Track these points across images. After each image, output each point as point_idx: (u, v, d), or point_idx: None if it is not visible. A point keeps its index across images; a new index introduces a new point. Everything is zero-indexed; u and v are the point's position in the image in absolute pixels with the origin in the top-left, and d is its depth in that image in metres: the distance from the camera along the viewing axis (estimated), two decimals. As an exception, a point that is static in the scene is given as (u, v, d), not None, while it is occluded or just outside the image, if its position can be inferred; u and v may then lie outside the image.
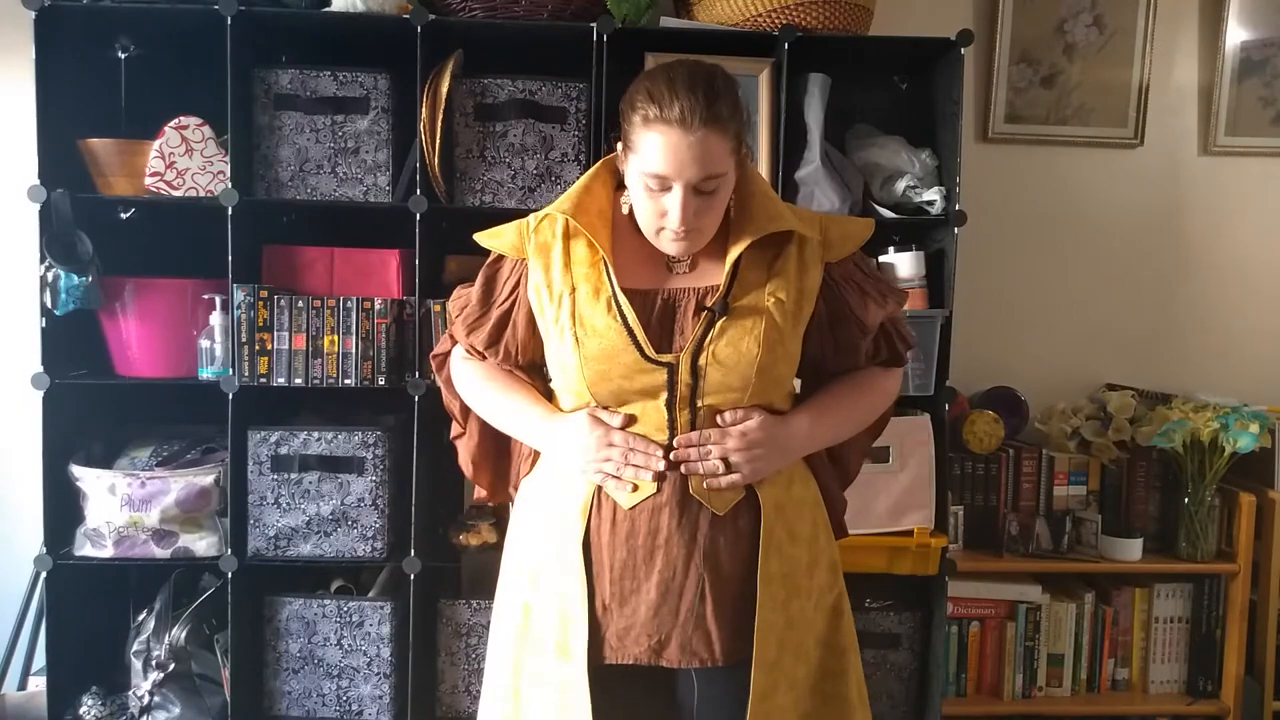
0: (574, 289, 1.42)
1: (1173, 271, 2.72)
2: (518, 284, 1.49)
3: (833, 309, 1.47)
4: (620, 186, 1.47)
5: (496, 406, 1.55)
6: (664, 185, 1.34)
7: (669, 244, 1.39)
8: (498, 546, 2.17)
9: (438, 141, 2.09)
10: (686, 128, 1.29)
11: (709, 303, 1.40)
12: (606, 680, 1.41)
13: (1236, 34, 2.66)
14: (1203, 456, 2.37)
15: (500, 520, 2.23)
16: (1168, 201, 2.71)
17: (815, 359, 1.50)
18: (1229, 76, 2.67)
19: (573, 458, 1.44)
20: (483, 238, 1.53)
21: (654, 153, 1.32)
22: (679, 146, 1.30)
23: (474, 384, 1.58)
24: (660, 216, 1.36)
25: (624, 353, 1.38)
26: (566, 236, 1.45)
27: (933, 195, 2.24)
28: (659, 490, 1.40)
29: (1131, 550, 2.41)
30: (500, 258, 1.53)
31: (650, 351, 1.38)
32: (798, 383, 1.53)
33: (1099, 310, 2.72)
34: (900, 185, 2.26)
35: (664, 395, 1.39)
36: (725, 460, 1.39)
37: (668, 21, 2.21)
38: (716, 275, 1.42)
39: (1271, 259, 2.74)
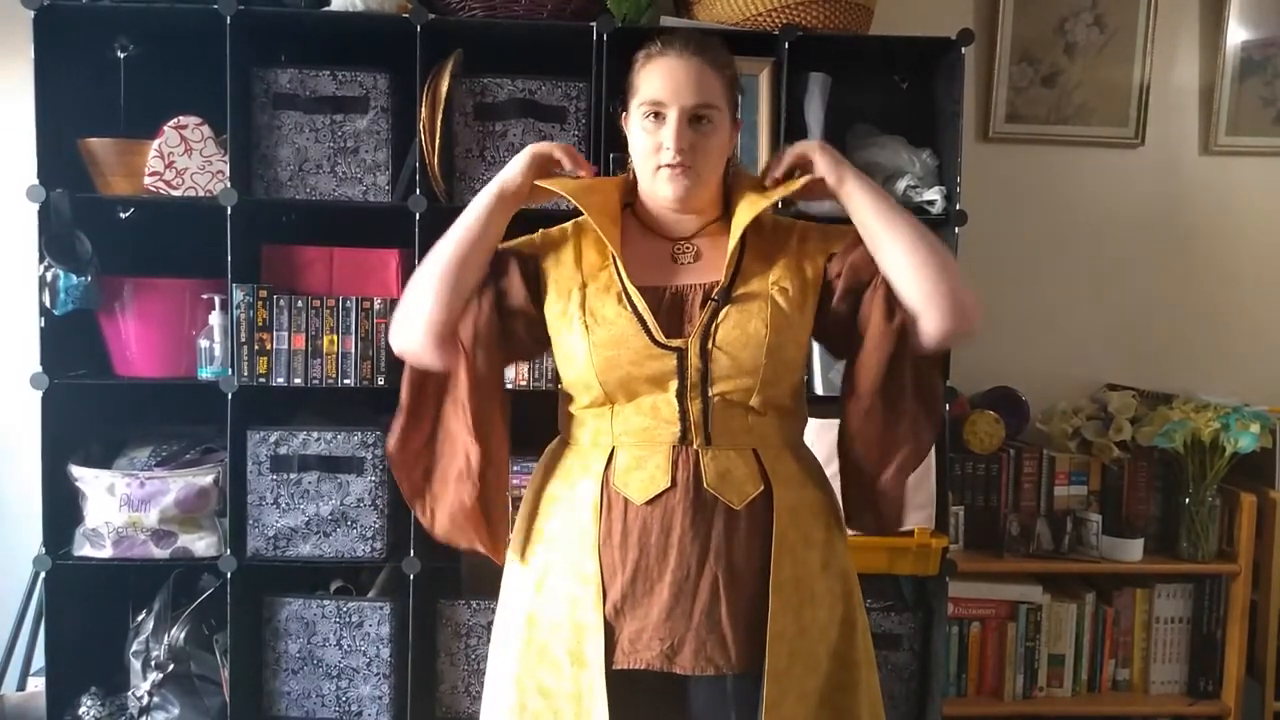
0: (584, 285, 1.44)
1: (1174, 271, 2.72)
2: (522, 272, 1.47)
3: (853, 277, 1.44)
4: (625, 205, 1.51)
5: (447, 234, 1.46)
6: (660, 114, 1.39)
7: (665, 183, 1.40)
8: (497, 547, 2.17)
9: (437, 141, 2.08)
10: (681, 56, 1.40)
11: (714, 294, 1.41)
12: (618, 686, 1.39)
13: (1237, 33, 2.66)
14: (1203, 456, 2.37)
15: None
16: (1168, 201, 2.71)
17: (864, 321, 1.44)
18: (1230, 76, 2.67)
19: (517, 162, 1.46)
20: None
21: (651, 80, 1.40)
22: (674, 70, 1.39)
23: (420, 270, 1.47)
24: (656, 152, 1.40)
25: (633, 338, 1.39)
26: (578, 237, 1.48)
27: (933, 195, 2.24)
28: (672, 486, 1.39)
29: (1132, 550, 2.40)
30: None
31: (660, 336, 1.39)
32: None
33: (1100, 310, 2.72)
34: (901, 185, 2.26)
35: (674, 384, 1.39)
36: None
37: (667, 21, 2.22)
38: (722, 269, 1.43)
39: (1272, 258, 2.74)
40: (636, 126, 1.43)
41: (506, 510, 1.52)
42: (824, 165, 1.42)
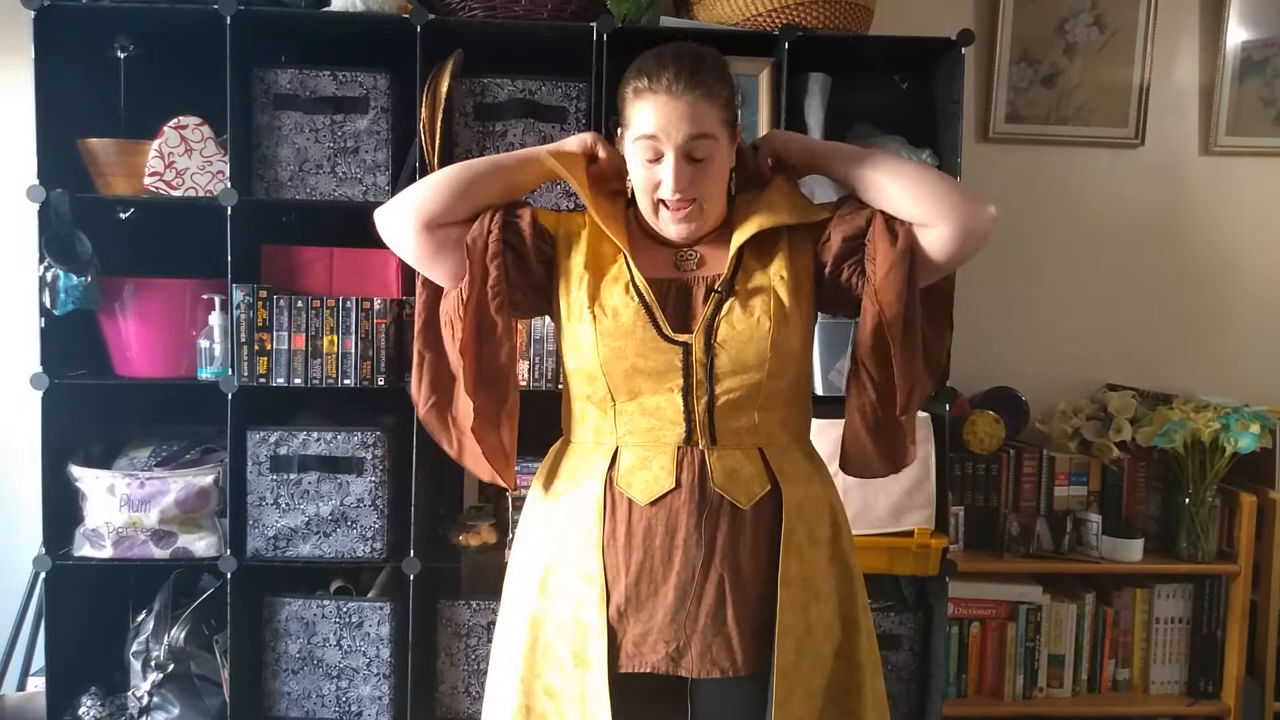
0: (595, 274, 1.44)
1: (1173, 271, 2.72)
2: (523, 213, 1.48)
3: (847, 229, 1.44)
4: (631, 202, 1.51)
5: (488, 161, 1.50)
6: (656, 152, 1.37)
7: (668, 222, 1.41)
8: (498, 547, 2.18)
9: (437, 141, 2.08)
10: (673, 93, 1.35)
11: (716, 286, 1.42)
12: (623, 689, 1.39)
13: (1237, 34, 2.66)
14: (1203, 457, 2.37)
15: (500, 521, 2.23)
16: (1168, 201, 2.71)
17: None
18: (1229, 76, 2.67)
19: (575, 142, 1.51)
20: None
21: (644, 118, 1.37)
22: (666, 108, 1.35)
23: (447, 170, 1.48)
24: (655, 189, 1.39)
25: (641, 330, 1.39)
26: (594, 227, 1.48)
27: (933, 195, 2.23)
28: (677, 487, 1.39)
29: (1132, 551, 2.40)
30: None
31: (666, 329, 1.39)
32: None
33: (1100, 310, 2.72)
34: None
35: (678, 383, 1.39)
36: None
37: (668, 21, 2.22)
38: (724, 266, 1.43)
39: (1272, 259, 2.74)
40: (633, 157, 1.41)
41: (512, 441, 1.51)
42: (800, 160, 1.49)
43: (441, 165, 2.08)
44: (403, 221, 1.46)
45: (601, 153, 1.49)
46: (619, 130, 1.45)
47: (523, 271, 1.46)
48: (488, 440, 1.48)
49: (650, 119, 1.36)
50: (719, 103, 1.38)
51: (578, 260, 1.46)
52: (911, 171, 1.44)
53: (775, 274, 1.42)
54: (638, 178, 1.41)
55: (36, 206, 2.06)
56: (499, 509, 2.24)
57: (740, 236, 1.42)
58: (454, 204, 1.45)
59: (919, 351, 1.43)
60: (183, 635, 2.19)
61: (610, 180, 1.50)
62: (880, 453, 1.49)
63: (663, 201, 1.40)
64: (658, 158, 1.37)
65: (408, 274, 2.17)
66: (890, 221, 1.41)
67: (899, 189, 1.41)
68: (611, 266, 1.44)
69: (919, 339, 1.43)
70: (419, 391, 1.52)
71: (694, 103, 1.35)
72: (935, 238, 1.39)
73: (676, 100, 1.35)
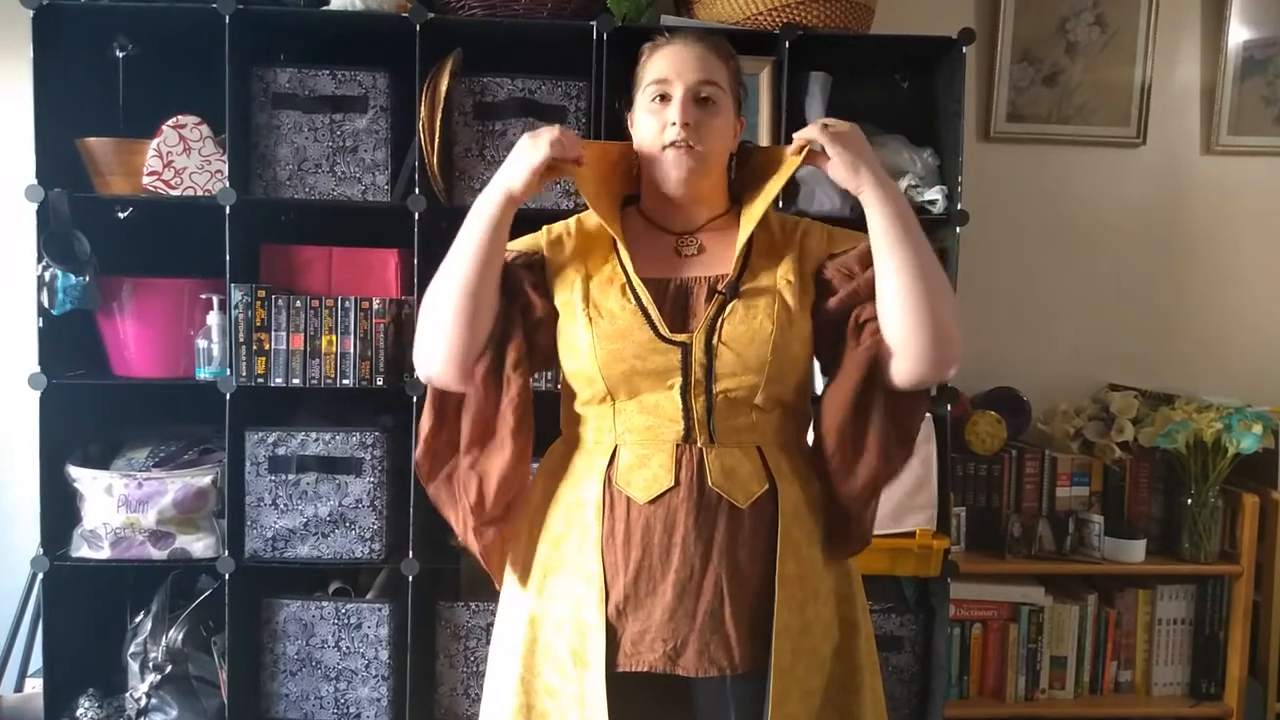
0: (588, 276, 1.43)
1: (1175, 271, 2.72)
2: (533, 282, 1.46)
3: (851, 298, 1.43)
4: (625, 204, 1.51)
5: (455, 248, 1.43)
6: (665, 95, 1.41)
7: (672, 162, 1.40)
8: (497, 548, 2.17)
9: (436, 140, 2.08)
10: (686, 44, 1.45)
11: (721, 287, 1.41)
12: (621, 688, 1.38)
13: (1239, 33, 2.66)
14: (1205, 457, 2.37)
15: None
16: (1170, 201, 2.70)
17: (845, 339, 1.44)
18: (1231, 76, 2.66)
19: (518, 155, 1.41)
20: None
21: (657, 65, 1.44)
22: (679, 54, 1.44)
23: (437, 291, 1.43)
24: (662, 131, 1.41)
25: (638, 331, 1.38)
26: (581, 230, 1.48)
27: (934, 195, 2.23)
28: (676, 485, 1.38)
29: (1134, 552, 2.40)
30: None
31: (664, 330, 1.38)
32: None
33: (1101, 310, 2.71)
34: (902, 184, 2.25)
35: (678, 381, 1.38)
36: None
37: (668, 20, 2.21)
38: (727, 264, 1.43)
39: (1274, 259, 2.73)
40: (642, 112, 1.44)
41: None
42: (841, 162, 1.39)
43: (440, 164, 2.09)
44: (450, 376, 1.43)
45: (555, 155, 1.41)
46: (629, 114, 1.48)
47: (539, 327, 1.45)
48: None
49: (662, 65, 1.43)
50: (728, 66, 1.45)
51: (569, 265, 1.45)
52: (921, 290, 1.35)
53: (782, 277, 1.42)
54: (647, 131, 1.43)
55: (35, 206, 2.06)
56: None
57: (744, 233, 1.42)
58: (475, 329, 1.40)
59: (871, 441, 1.40)
60: (181, 636, 2.18)
61: (610, 180, 1.49)
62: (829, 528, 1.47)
63: (669, 145, 1.39)
64: (666, 100, 1.41)
65: (406, 274, 2.16)
66: (861, 328, 1.40)
67: (897, 299, 1.36)
68: (605, 267, 1.44)
69: (872, 429, 1.40)
70: (430, 460, 1.49)
71: (704, 53, 1.43)
72: (895, 362, 1.38)
73: (688, 50, 1.43)
